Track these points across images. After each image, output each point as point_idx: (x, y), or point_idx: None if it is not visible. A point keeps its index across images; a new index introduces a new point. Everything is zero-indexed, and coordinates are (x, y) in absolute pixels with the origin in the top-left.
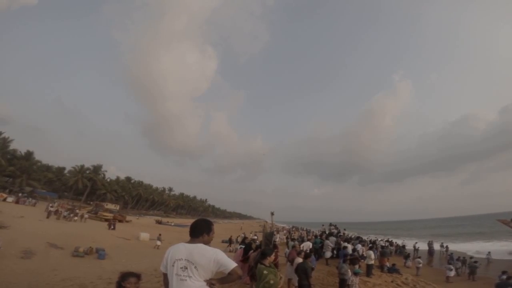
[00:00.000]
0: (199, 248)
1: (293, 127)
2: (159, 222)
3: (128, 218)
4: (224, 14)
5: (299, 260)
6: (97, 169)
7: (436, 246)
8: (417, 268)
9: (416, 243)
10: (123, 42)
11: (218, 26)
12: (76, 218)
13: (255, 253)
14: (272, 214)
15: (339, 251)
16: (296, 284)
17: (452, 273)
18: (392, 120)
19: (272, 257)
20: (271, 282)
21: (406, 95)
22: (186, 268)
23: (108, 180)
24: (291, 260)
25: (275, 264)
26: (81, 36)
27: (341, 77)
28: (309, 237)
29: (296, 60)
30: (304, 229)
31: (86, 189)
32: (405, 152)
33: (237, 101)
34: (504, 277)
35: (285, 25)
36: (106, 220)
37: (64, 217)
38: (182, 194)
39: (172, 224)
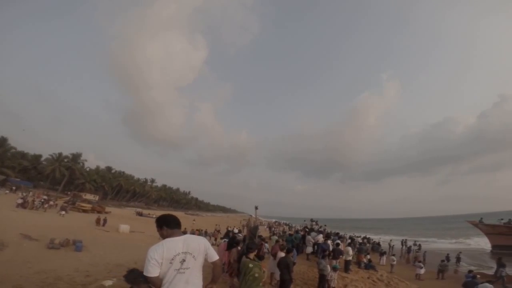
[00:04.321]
0: (192, 237)
1: (280, 122)
2: (140, 214)
3: (107, 209)
4: (214, 3)
5: (282, 254)
6: (76, 157)
7: (409, 244)
8: (391, 265)
9: (391, 240)
10: (108, 28)
11: (207, 15)
12: (58, 209)
13: (235, 249)
14: (256, 208)
15: (318, 246)
16: (278, 278)
17: (422, 271)
18: (376, 119)
19: (256, 250)
20: (256, 275)
21: (393, 95)
22: (185, 261)
23: (88, 169)
24: (274, 255)
25: (260, 256)
26: (63, 19)
27: (329, 75)
28: (290, 232)
29: (286, 56)
30: (288, 224)
31: (63, 179)
32: (386, 152)
33: (224, 93)
34: (471, 276)
35: (276, 19)
36: (84, 211)
37: (43, 206)
38: (164, 186)
39: (154, 216)
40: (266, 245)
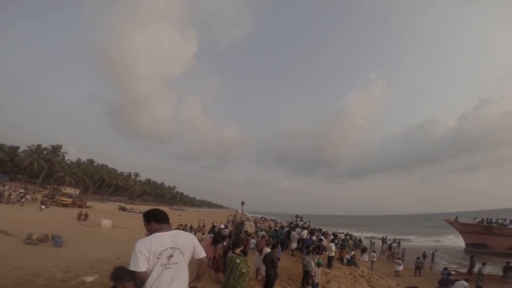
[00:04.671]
0: (181, 233)
1: (268, 119)
2: (122, 209)
3: (88, 203)
4: None
5: (268, 250)
6: (56, 149)
7: (389, 242)
8: (372, 261)
9: (372, 237)
10: (96, 19)
11: (200, 8)
12: (38, 204)
13: (220, 244)
14: (243, 203)
15: (302, 242)
16: (264, 273)
17: (401, 268)
18: (362, 119)
19: (242, 246)
20: (243, 270)
21: (379, 95)
22: (172, 256)
23: (68, 162)
24: (260, 250)
25: (245, 251)
26: (46, 7)
27: (320, 73)
28: (276, 228)
29: (277, 53)
30: (273, 219)
31: (42, 172)
32: (370, 151)
33: (213, 88)
34: (446, 273)
35: (269, 15)
36: (64, 205)
37: (20, 200)
38: (148, 180)
39: (137, 211)
40: (253, 240)
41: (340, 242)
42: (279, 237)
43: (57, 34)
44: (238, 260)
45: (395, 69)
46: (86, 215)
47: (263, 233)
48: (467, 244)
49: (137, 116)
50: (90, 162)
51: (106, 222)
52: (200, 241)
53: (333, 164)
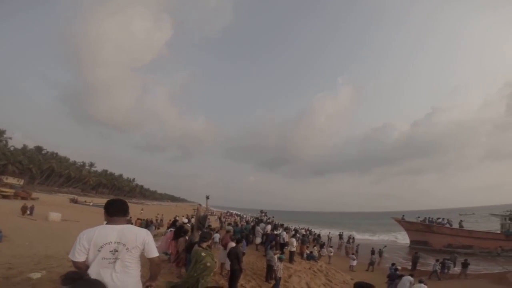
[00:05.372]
0: (132, 228)
1: (238, 114)
2: (74, 201)
3: (34, 195)
4: None
5: (232, 245)
6: None
7: (345, 237)
8: (329, 256)
9: (330, 233)
10: None
11: None
12: None
13: (182, 238)
14: (208, 198)
15: (266, 237)
16: (228, 268)
17: (355, 263)
18: (327, 120)
19: (210, 241)
20: (208, 264)
21: (344, 98)
22: (116, 251)
23: (12, 148)
24: (224, 245)
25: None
26: None
27: (293, 72)
28: (241, 223)
29: (254, 49)
30: (239, 214)
31: None
32: (332, 150)
33: (183, 79)
34: (394, 268)
35: (250, 10)
36: (4, 197)
37: None
38: (105, 171)
39: (91, 204)
40: (217, 235)
41: (301, 237)
42: (244, 232)
43: (9, 7)
44: (203, 254)
45: (361, 75)
46: (32, 208)
47: (230, 227)
48: (411, 241)
49: (96, 103)
50: (38, 149)
51: (55, 215)
52: (155, 236)
53: (297, 160)
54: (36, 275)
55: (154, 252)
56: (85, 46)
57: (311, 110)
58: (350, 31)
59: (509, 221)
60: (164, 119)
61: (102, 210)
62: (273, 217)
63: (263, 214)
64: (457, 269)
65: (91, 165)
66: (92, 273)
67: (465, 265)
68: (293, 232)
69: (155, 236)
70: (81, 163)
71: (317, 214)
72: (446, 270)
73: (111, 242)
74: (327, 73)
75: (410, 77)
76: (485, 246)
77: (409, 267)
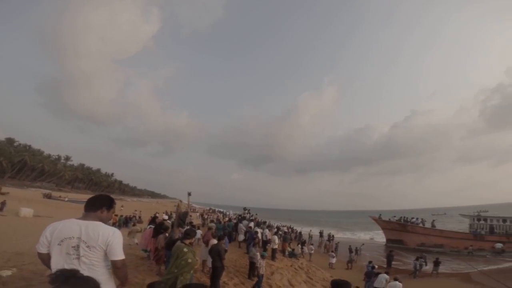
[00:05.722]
0: (96, 226)
1: (224, 111)
2: (48, 197)
3: (4, 189)
4: None
5: (214, 242)
6: None
7: (325, 235)
8: (310, 254)
9: (311, 231)
10: None
11: None
12: None
13: (162, 235)
14: (189, 194)
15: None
16: (210, 265)
17: (334, 260)
18: (311, 119)
19: (193, 238)
20: (189, 261)
21: (329, 98)
22: (78, 247)
23: None
24: (206, 242)
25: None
26: None
27: (280, 70)
28: (224, 220)
29: (242, 46)
30: (222, 211)
31: None
32: (315, 149)
33: (168, 73)
34: (371, 266)
35: (243, 6)
36: None
37: None
38: (82, 166)
39: (66, 199)
40: (199, 231)
41: (283, 235)
42: (227, 229)
43: None
44: (185, 249)
45: (346, 76)
46: (3, 204)
47: (213, 224)
48: (387, 240)
49: (75, 94)
50: (10, 141)
51: (27, 211)
52: (129, 233)
53: (281, 158)
54: (6, 273)
55: (117, 255)
56: (66, 36)
57: (296, 109)
58: (338, 31)
59: (477, 222)
60: (147, 113)
61: (78, 206)
62: (256, 214)
63: (246, 211)
64: (428, 268)
65: (67, 158)
66: (55, 267)
67: (436, 263)
68: (276, 229)
69: (129, 233)
70: (56, 157)
71: (299, 212)
72: (419, 268)
73: (72, 237)
74: (314, 72)
75: (392, 80)
76: (455, 245)
77: (385, 265)
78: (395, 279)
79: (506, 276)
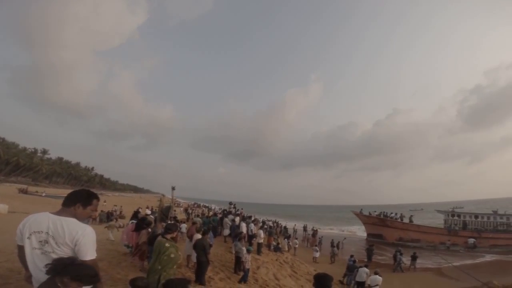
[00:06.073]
0: (66, 222)
1: (209, 104)
2: (24, 192)
3: None
4: None
5: (198, 236)
6: None
7: (309, 230)
8: (294, 248)
9: (295, 225)
10: None
11: None
12: None
13: (145, 230)
14: (173, 189)
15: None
16: (195, 260)
17: (318, 254)
18: (296, 115)
19: (175, 233)
20: (172, 256)
21: (315, 95)
22: (47, 243)
23: None
24: (190, 237)
25: (175, 239)
26: None
27: (268, 65)
28: (209, 214)
29: (230, 39)
30: (207, 206)
31: None
32: (300, 145)
33: (152, 65)
34: (352, 260)
35: (231, 2)
36: None
37: None
38: (60, 159)
39: (43, 194)
40: (184, 225)
41: (268, 229)
42: (212, 223)
43: None
44: (167, 245)
45: (331, 73)
46: None
47: (198, 219)
48: (368, 234)
49: (54, 86)
50: None
51: (1, 207)
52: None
53: (266, 153)
54: None
55: (86, 255)
56: (44, 26)
57: (283, 105)
58: (325, 29)
59: (451, 218)
60: (129, 105)
61: (56, 201)
62: (242, 209)
63: (232, 206)
64: (406, 262)
65: (44, 152)
66: (29, 262)
67: (413, 257)
68: (261, 224)
69: (106, 228)
70: (33, 150)
71: (284, 206)
72: (401, 262)
73: (41, 232)
74: (301, 68)
75: (376, 79)
76: (431, 240)
77: (366, 259)
78: (375, 273)
79: (477, 270)
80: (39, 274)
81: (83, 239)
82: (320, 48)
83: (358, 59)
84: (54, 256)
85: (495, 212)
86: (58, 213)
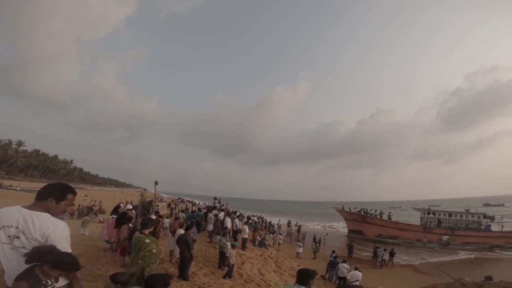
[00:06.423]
0: (37, 216)
1: (196, 98)
2: None
3: None
4: None
5: (181, 231)
6: None
7: (292, 225)
8: (279, 243)
9: (280, 221)
10: None
11: None
12: None
13: (125, 226)
14: (156, 183)
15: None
16: (178, 255)
17: (301, 250)
18: (284, 111)
19: (152, 227)
20: (154, 251)
21: (302, 92)
22: (17, 238)
23: None
24: (173, 232)
25: (156, 234)
26: None
27: (257, 60)
28: (193, 209)
29: (220, 33)
30: (191, 201)
31: None
32: (286, 141)
33: (138, 57)
34: (334, 256)
35: None
36: None
37: None
38: (37, 151)
39: (18, 188)
40: (168, 220)
41: (253, 224)
42: (196, 218)
43: None
44: (147, 240)
45: (319, 71)
46: None
47: (182, 214)
48: (349, 230)
49: (30, 75)
50: None
51: None
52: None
53: (252, 150)
54: None
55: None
56: (26, 14)
57: (270, 101)
58: (315, 26)
59: (427, 215)
60: (112, 97)
61: (32, 195)
62: (227, 204)
63: (217, 201)
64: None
65: (19, 143)
66: (0, 257)
67: (392, 254)
68: (246, 219)
69: (82, 223)
70: (7, 142)
71: (269, 202)
72: (383, 258)
73: (11, 226)
74: (289, 65)
75: (361, 78)
76: (408, 237)
77: (346, 255)
78: (356, 269)
79: (450, 267)
80: (10, 270)
81: (54, 234)
82: (310, 46)
83: (345, 59)
84: (25, 251)
85: (467, 211)
86: (30, 207)
